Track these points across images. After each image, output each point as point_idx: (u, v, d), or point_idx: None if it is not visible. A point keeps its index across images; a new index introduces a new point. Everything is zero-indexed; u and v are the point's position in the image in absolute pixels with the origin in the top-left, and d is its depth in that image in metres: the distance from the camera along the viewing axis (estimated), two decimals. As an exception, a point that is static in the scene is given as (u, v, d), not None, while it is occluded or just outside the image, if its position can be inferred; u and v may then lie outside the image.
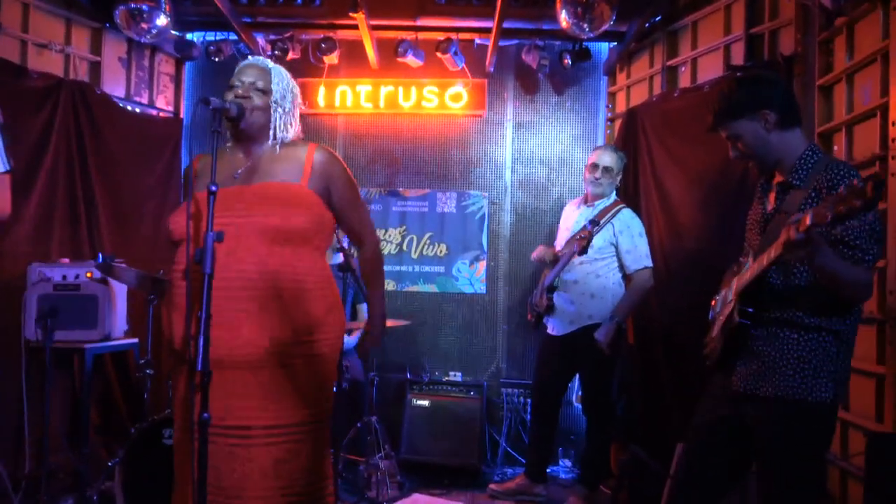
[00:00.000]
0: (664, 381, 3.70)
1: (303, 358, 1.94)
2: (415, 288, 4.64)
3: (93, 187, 3.86)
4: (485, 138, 4.67)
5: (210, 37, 4.52)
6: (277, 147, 2.05)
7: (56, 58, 3.87)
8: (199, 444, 1.69)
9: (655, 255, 3.65)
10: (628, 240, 3.52)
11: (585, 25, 3.74)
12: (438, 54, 4.31)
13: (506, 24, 4.12)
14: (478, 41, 4.57)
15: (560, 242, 3.78)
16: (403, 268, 4.64)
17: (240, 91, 2.00)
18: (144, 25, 3.87)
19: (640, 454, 3.09)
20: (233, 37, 4.41)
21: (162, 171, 4.36)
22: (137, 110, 4.38)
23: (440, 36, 4.34)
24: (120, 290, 3.49)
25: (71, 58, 3.94)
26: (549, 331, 3.68)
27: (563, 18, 3.73)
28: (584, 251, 3.26)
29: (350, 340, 3.90)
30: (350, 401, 3.74)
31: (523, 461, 4.01)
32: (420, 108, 4.62)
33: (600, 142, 4.48)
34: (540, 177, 4.64)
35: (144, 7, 3.81)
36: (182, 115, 4.68)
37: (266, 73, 2.05)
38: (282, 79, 2.07)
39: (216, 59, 4.37)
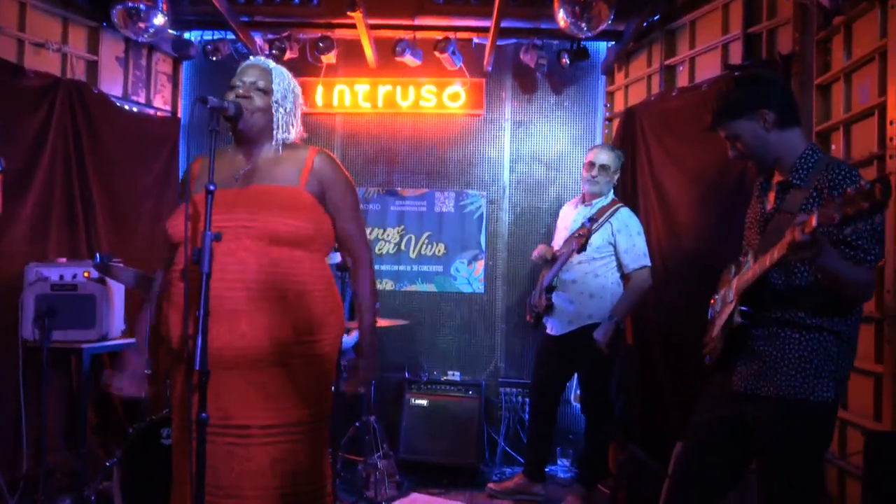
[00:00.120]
0: (662, 381, 3.71)
1: (302, 358, 1.93)
2: (413, 287, 4.63)
3: (90, 187, 3.85)
4: (483, 138, 4.66)
5: (207, 36, 4.51)
6: (279, 149, 2.04)
7: (53, 57, 3.86)
8: (197, 443, 1.69)
9: (653, 254, 3.64)
10: (626, 239, 3.52)
11: (583, 25, 3.73)
12: (436, 54, 4.30)
13: (504, 24, 4.12)
14: (476, 40, 4.56)
15: (558, 242, 3.78)
16: (401, 267, 4.64)
17: (241, 91, 1.99)
18: (142, 24, 3.86)
19: (638, 454, 3.09)
20: (230, 36, 4.40)
21: (159, 170, 4.34)
22: (135, 110, 4.36)
23: (438, 35, 4.34)
24: (117, 290, 3.49)
25: (68, 57, 3.93)
26: (548, 330, 3.68)
27: (561, 18, 3.73)
28: (583, 248, 3.26)
29: (349, 340, 3.90)
30: (348, 400, 3.74)
31: (522, 460, 4.02)
32: (418, 107, 4.62)
33: (598, 141, 4.48)
34: (538, 176, 4.63)
35: (142, 6, 3.80)
36: (180, 115, 4.64)
37: (267, 73, 2.04)
38: (283, 79, 2.06)
39: (214, 59, 4.35)
